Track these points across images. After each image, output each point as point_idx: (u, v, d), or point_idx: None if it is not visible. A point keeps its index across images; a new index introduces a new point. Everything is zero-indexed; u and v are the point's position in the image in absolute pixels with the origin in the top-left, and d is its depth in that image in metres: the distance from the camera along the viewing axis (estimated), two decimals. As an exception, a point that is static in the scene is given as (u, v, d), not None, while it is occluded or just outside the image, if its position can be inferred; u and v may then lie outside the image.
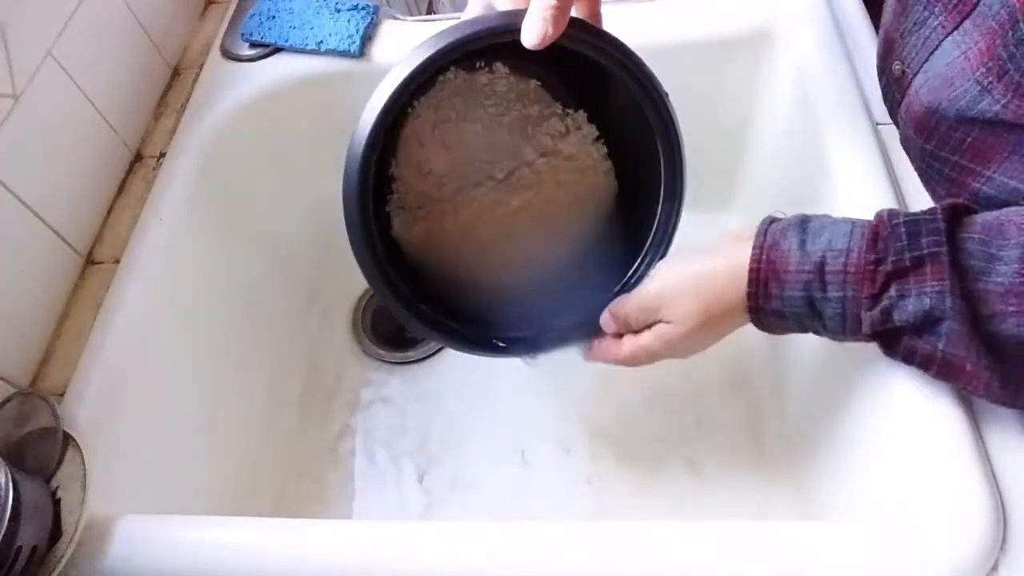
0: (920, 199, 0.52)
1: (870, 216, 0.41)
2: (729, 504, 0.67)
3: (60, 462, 0.48)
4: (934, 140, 0.45)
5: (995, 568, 0.39)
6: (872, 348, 0.43)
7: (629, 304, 0.50)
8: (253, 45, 0.74)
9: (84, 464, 0.48)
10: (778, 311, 0.43)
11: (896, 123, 0.51)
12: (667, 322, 0.48)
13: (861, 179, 0.54)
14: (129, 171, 0.68)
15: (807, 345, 0.57)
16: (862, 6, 0.67)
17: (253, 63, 0.73)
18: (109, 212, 0.65)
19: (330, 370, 0.81)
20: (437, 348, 0.81)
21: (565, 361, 0.77)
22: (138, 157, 0.69)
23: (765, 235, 0.43)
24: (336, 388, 0.80)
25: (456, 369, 0.79)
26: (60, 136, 0.60)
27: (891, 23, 0.50)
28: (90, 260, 0.62)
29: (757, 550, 0.41)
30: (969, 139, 0.42)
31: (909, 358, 0.41)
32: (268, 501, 0.71)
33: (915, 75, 0.46)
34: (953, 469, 0.42)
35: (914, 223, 0.39)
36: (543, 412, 0.74)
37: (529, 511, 0.69)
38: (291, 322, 0.82)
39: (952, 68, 0.42)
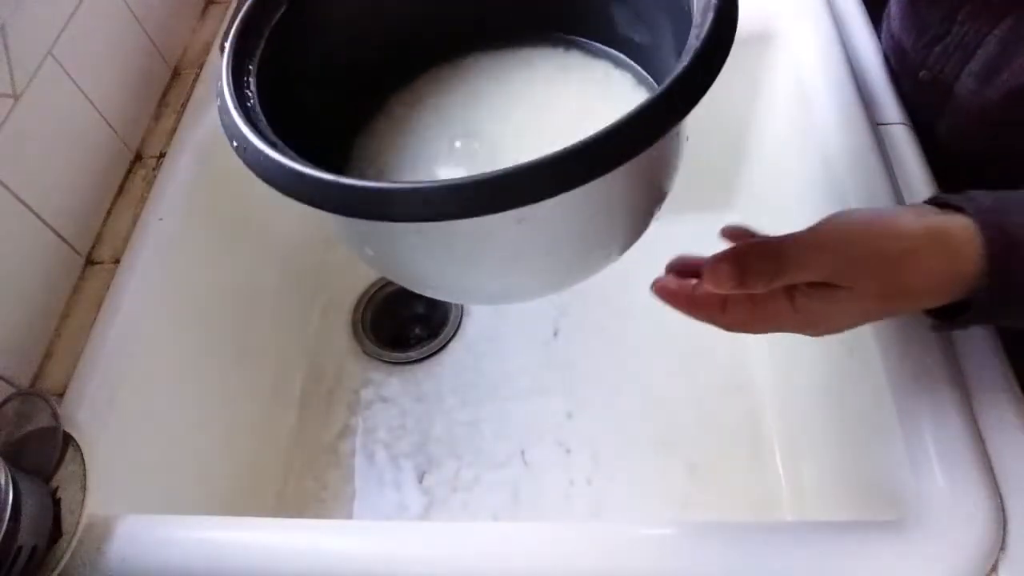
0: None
1: None
2: (728, 504, 0.67)
3: (60, 462, 0.48)
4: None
5: (995, 568, 0.39)
6: (872, 348, 0.42)
7: (760, 252, 0.36)
8: (253, 45, 0.74)
9: (84, 464, 0.48)
10: None
11: (926, 122, 0.54)
12: (841, 287, 0.36)
13: (861, 179, 0.54)
14: (129, 171, 0.68)
15: (807, 345, 0.57)
16: (862, 6, 0.67)
17: (253, 63, 0.73)
18: (109, 212, 0.65)
19: (330, 370, 0.81)
20: (437, 348, 0.81)
21: (566, 361, 0.77)
22: (138, 157, 0.69)
23: (970, 199, 0.36)
24: (336, 388, 0.80)
25: (456, 369, 0.79)
26: (60, 136, 0.60)
27: (901, 33, 0.54)
28: (90, 260, 0.62)
29: (757, 550, 0.41)
30: None
31: None
32: (268, 501, 0.71)
33: (956, 77, 0.51)
34: (953, 469, 0.42)
35: None
36: (543, 412, 0.74)
37: (529, 511, 0.69)
38: (291, 322, 0.82)
39: (1020, 54, 0.45)
